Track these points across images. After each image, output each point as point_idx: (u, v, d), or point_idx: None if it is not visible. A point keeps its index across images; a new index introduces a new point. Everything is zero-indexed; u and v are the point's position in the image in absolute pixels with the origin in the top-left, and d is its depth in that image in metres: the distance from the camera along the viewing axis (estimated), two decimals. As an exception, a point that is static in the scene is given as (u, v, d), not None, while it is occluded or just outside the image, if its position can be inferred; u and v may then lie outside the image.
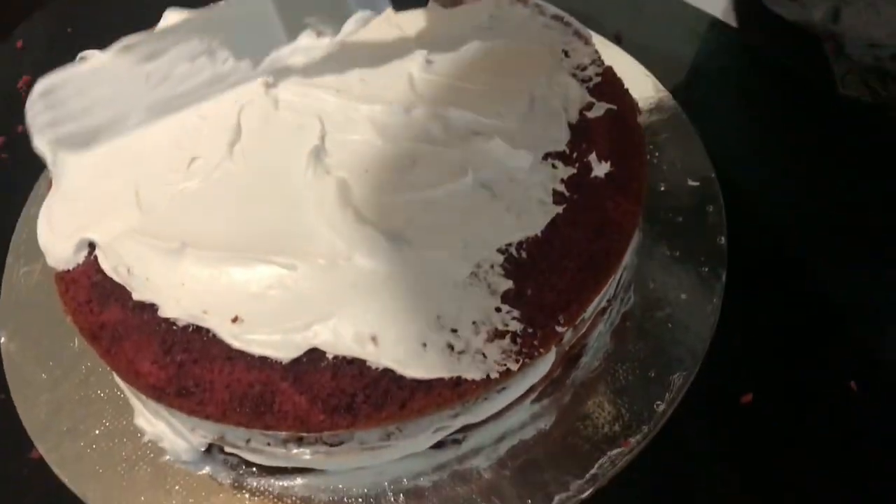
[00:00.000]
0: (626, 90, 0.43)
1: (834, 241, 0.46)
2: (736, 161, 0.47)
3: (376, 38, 0.44)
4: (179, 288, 0.36)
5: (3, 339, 0.43)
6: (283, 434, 0.35)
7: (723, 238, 0.43)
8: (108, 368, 0.41)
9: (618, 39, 0.51)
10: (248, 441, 0.36)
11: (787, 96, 0.52)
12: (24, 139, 0.46)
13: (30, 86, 0.53)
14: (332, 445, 0.36)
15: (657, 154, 0.46)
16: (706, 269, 0.42)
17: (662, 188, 0.45)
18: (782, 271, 0.45)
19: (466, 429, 0.38)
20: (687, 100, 0.48)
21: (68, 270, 0.39)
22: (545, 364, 0.37)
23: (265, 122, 0.41)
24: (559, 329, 0.35)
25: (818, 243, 0.46)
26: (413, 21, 0.46)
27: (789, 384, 0.40)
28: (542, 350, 0.35)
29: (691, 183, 0.45)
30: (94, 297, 0.38)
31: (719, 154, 0.46)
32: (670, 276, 0.42)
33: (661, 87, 0.49)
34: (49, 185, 0.42)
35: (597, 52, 0.44)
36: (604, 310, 0.41)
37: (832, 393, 0.40)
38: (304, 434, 0.35)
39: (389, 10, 0.42)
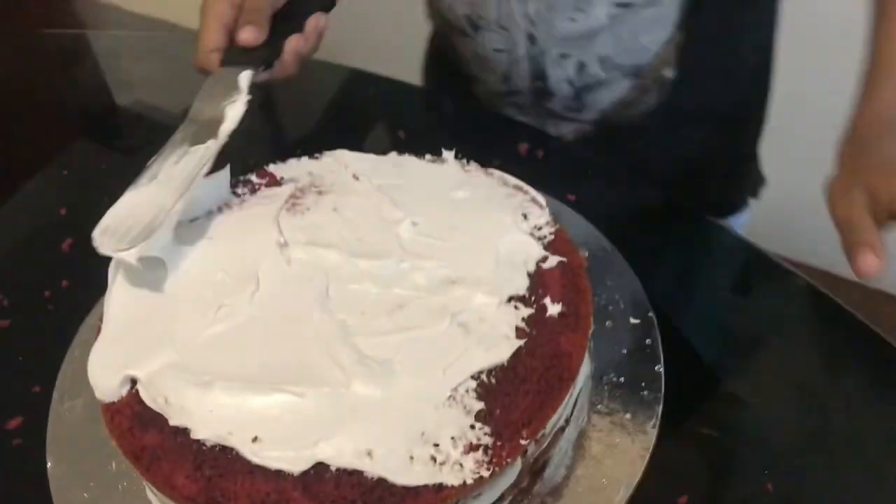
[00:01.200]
0: (575, 246, 0.52)
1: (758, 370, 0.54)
2: (671, 301, 0.56)
3: (369, 200, 0.55)
4: (209, 414, 0.44)
5: (49, 465, 0.50)
6: (294, 535, 0.42)
7: (660, 366, 0.51)
8: (142, 487, 0.48)
9: (569, 200, 0.61)
10: (264, 542, 0.43)
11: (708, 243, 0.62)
12: (66, 292, 0.54)
13: (71, 247, 0.63)
14: (335, 544, 0.43)
15: (603, 296, 0.55)
16: (647, 393, 0.50)
17: (608, 324, 0.54)
18: (713, 397, 0.53)
19: (447, 530, 0.45)
20: (630, 248, 0.57)
21: (114, 402, 0.47)
22: (513, 472, 0.44)
23: (279, 276, 0.51)
24: (523, 442, 0.43)
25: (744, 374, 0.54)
26: (398, 179, 0.56)
27: (717, 490, 0.47)
28: (509, 460, 0.42)
29: (633, 321, 0.54)
30: (135, 424, 0.45)
31: (658, 295, 0.55)
32: (616, 399, 0.50)
33: (605, 240, 0.59)
34: (95, 330, 0.50)
35: (550, 214, 0.54)
36: (562, 428, 0.48)
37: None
38: (312, 535, 0.41)
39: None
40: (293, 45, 0.61)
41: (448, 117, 0.82)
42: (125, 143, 0.82)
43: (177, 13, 1.37)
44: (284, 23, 0.62)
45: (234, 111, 0.55)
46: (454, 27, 0.79)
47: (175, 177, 0.52)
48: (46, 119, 0.88)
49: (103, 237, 0.49)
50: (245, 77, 0.58)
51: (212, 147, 0.54)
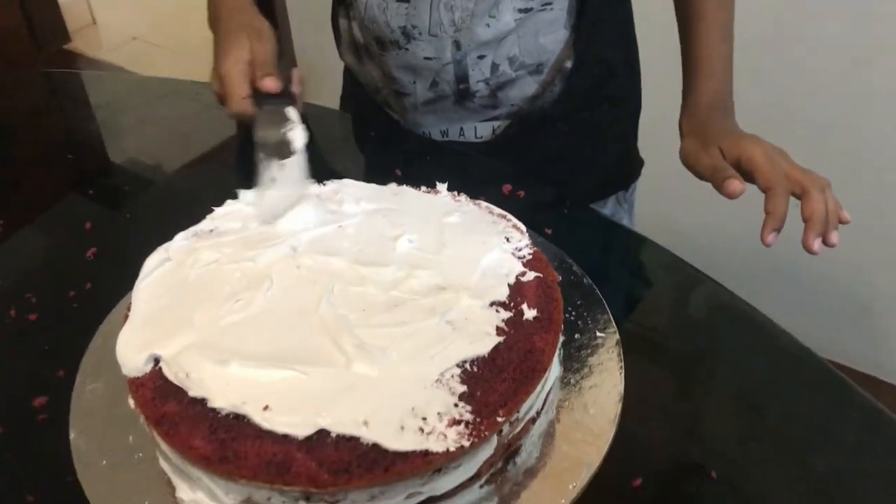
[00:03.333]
0: (550, 266, 0.60)
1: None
2: (631, 315, 0.64)
3: (370, 219, 0.63)
4: (225, 386, 0.50)
5: (72, 436, 0.55)
6: (297, 493, 0.48)
7: (622, 371, 0.58)
8: (155, 457, 0.54)
9: (546, 234, 0.69)
10: (269, 499, 0.49)
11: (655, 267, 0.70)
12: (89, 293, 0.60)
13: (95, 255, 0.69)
14: (332, 503, 0.48)
15: (573, 312, 0.62)
16: (609, 393, 0.57)
17: (576, 336, 0.61)
18: (666, 397, 0.60)
19: (431, 501, 0.51)
20: (597, 275, 0.65)
21: (138, 377, 0.53)
22: (490, 447, 0.51)
23: (290, 277, 0.58)
24: (500, 419, 0.49)
25: (692, 378, 0.61)
26: (396, 205, 0.64)
27: (669, 474, 0.54)
28: (487, 433, 0.49)
29: (599, 334, 0.61)
30: (157, 395, 0.51)
31: (621, 313, 0.62)
32: (580, 397, 0.57)
33: (576, 266, 0.66)
34: (117, 323, 0.57)
35: (529, 239, 0.62)
36: (533, 420, 0.55)
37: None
38: (313, 491, 0.47)
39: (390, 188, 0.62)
40: (296, 88, 0.76)
41: (432, 158, 0.91)
42: (141, 172, 0.89)
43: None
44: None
45: (298, 133, 0.68)
46: (387, 41, 0.90)
47: (292, 176, 0.66)
48: (77, 147, 0.96)
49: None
50: (292, 110, 0.70)
51: (300, 157, 0.67)
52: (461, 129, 0.96)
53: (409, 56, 0.89)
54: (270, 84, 0.72)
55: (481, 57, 0.89)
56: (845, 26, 1.37)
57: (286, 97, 0.73)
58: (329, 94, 1.13)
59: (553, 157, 0.96)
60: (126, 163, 0.89)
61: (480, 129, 0.96)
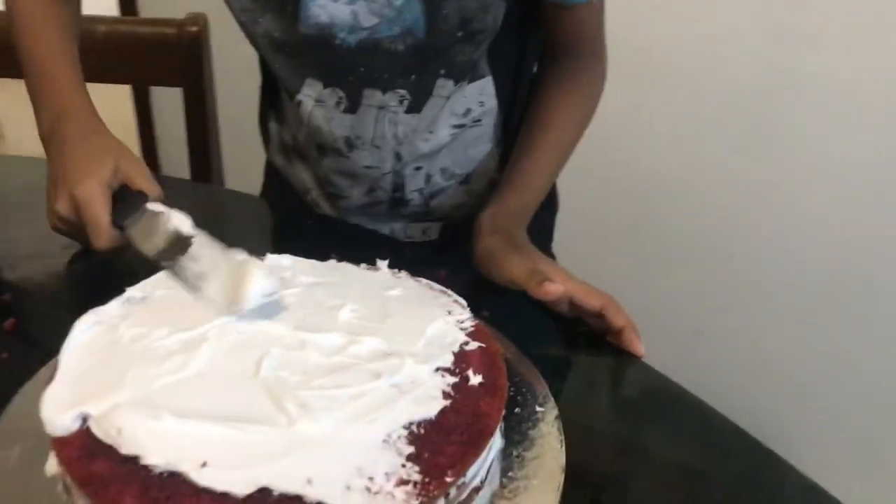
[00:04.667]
0: (491, 336, 0.61)
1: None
2: (569, 391, 0.64)
3: (310, 291, 0.62)
4: (160, 443, 0.47)
5: (-16, 507, 0.51)
6: (234, 554, 0.45)
7: (562, 443, 0.58)
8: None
9: (484, 316, 0.70)
10: (203, 563, 0.45)
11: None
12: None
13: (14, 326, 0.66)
14: (271, 565, 0.46)
15: (513, 388, 0.62)
16: (551, 463, 0.57)
17: (517, 410, 0.61)
18: (605, 465, 0.60)
19: (374, 568, 0.48)
20: (534, 353, 0.66)
21: (64, 436, 0.49)
22: (437, 508, 0.49)
23: (228, 340, 0.56)
24: (449, 480, 0.48)
25: (631, 450, 0.62)
26: (340, 277, 0.64)
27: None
28: (436, 493, 0.47)
29: (538, 408, 0.61)
30: (84, 454, 0.48)
31: (558, 389, 0.63)
32: (524, 468, 0.56)
33: (514, 345, 0.67)
34: (36, 388, 0.54)
35: (470, 313, 0.63)
36: (477, 489, 0.54)
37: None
38: (252, 552, 0.44)
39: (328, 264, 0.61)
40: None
41: (366, 244, 0.92)
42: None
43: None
44: None
45: (179, 219, 0.66)
46: (329, 148, 0.91)
47: (213, 257, 0.63)
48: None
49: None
50: (154, 203, 0.69)
51: (200, 237, 0.65)
52: (391, 228, 0.98)
53: (349, 163, 0.91)
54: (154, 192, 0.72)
55: (418, 168, 0.92)
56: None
57: (136, 194, 0.71)
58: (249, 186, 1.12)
59: None
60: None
61: (410, 230, 0.98)
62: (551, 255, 1.03)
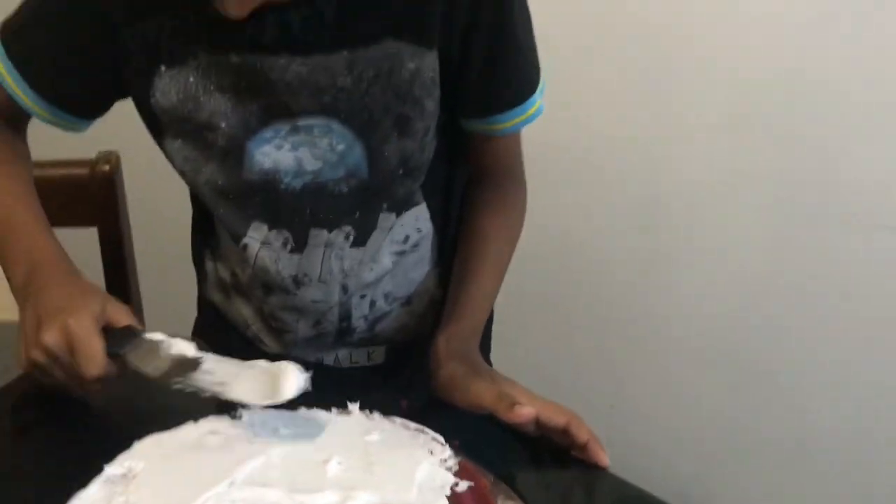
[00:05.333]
0: (478, 472, 0.63)
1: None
2: None
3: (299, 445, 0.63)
4: None
5: None
6: None
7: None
8: None
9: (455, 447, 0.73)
10: None
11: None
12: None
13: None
14: None
15: None
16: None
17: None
18: None
19: None
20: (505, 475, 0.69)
21: None
22: None
23: (225, 513, 0.56)
24: None
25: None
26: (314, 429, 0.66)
27: None
28: None
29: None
30: None
31: None
32: None
33: (490, 474, 0.70)
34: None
35: (451, 451, 0.65)
36: None
37: None
38: None
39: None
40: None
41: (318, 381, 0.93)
42: None
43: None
44: None
45: (182, 344, 0.68)
46: (275, 287, 0.92)
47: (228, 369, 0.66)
48: None
49: None
50: (153, 333, 0.70)
51: (209, 357, 0.67)
52: (336, 356, 0.99)
53: (296, 300, 0.92)
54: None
55: (363, 296, 0.94)
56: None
57: (126, 328, 0.72)
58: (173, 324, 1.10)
59: (427, 374, 0.99)
60: None
61: (356, 355, 0.99)
62: (490, 363, 1.06)
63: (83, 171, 1.19)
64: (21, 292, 0.77)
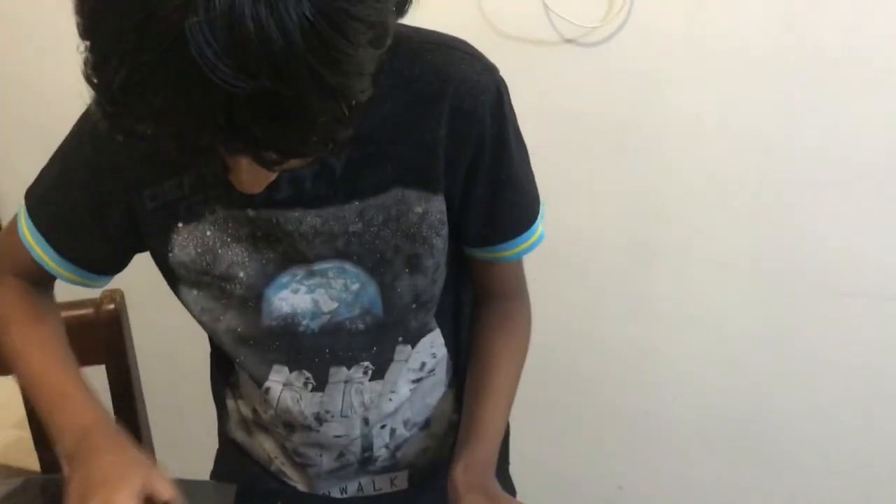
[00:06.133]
0: None
1: None
2: None
3: None
4: None
5: None
6: None
7: None
8: None
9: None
10: None
11: None
12: None
13: None
14: None
15: None
16: None
17: None
18: None
19: None
20: None
21: None
22: None
23: None
24: None
25: None
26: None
27: None
28: None
29: None
30: None
31: None
32: None
33: None
34: None
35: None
36: None
37: None
38: None
39: None
40: None
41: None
42: None
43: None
44: None
45: None
46: (298, 425, 0.94)
47: None
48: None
49: None
50: None
51: None
52: (359, 484, 0.99)
53: (318, 436, 0.94)
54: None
55: (383, 426, 0.96)
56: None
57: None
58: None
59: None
60: None
61: (379, 483, 1.00)
62: (509, 477, 1.07)
63: (89, 311, 1.20)
64: (70, 456, 0.78)
